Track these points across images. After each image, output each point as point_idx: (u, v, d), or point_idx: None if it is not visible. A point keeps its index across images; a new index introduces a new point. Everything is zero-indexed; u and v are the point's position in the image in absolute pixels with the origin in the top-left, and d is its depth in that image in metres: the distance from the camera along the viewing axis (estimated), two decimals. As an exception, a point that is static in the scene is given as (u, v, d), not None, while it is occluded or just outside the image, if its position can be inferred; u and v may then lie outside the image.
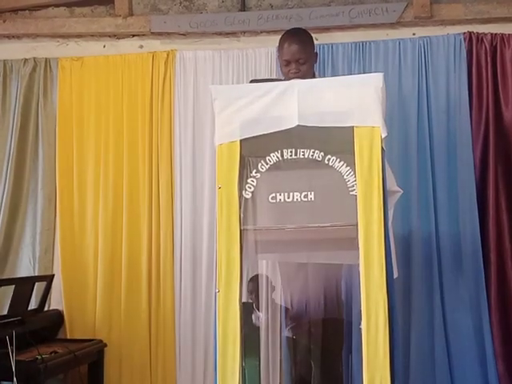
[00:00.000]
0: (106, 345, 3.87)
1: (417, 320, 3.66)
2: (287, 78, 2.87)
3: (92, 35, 4.27)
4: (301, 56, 2.84)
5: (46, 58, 4.24)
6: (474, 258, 3.68)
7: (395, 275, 2.50)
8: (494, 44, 3.83)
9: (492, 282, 3.69)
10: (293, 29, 3.07)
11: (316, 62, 3.03)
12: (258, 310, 2.64)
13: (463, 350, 3.64)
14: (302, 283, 2.87)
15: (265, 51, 4.02)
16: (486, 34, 3.85)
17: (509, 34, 3.84)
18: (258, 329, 2.68)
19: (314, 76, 2.95)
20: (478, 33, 3.86)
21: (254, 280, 2.74)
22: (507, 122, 3.80)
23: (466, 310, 3.67)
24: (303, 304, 2.91)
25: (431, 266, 3.70)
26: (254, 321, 2.55)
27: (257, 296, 2.71)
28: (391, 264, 2.35)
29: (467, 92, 3.80)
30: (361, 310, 2.28)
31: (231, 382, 2.33)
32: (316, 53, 3.03)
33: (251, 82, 3.24)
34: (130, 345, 3.93)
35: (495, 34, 3.85)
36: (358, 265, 2.28)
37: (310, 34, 2.98)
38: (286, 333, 2.84)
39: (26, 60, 4.24)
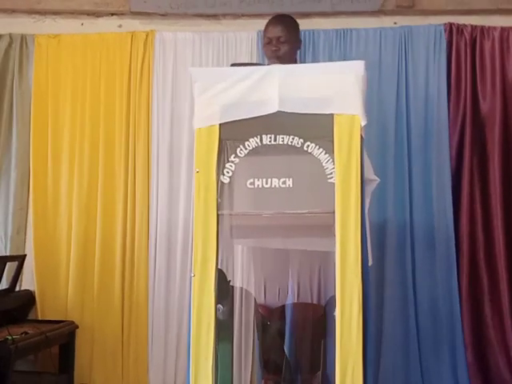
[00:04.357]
0: (77, 326, 3.84)
1: (389, 307, 3.70)
2: (268, 58, 2.96)
3: (70, 12, 4.18)
4: (282, 34, 2.94)
5: (22, 35, 4.14)
6: (446, 248, 3.72)
7: (370, 263, 2.52)
8: (474, 36, 3.85)
9: (464, 272, 3.74)
10: (280, 13, 3.17)
11: (299, 48, 3.09)
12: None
13: (434, 338, 3.69)
14: (276, 268, 2.89)
15: (246, 35, 3.98)
16: (466, 26, 3.87)
17: (489, 27, 3.87)
18: (231, 314, 2.68)
19: (295, 62, 3.00)
20: (458, 24, 3.87)
21: None
22: (484, 115, 3.84)
23: (437, 298, 3.71)
24: (276, 289, 2.93)
25: (405, 255, 3.73)
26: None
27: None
28: (367, 252, 2.37)
29: (446, 83, 3.82)
30: (335, 297, 2.29)
31: (204, 366, 2.34)
32: (300, 40, 3.08)
33: (232, 65, 3.22)
34: (102, 327, 3.90)
35: (475, 26, 3.87)
36: (335, 252, 2.29)
37: (295, 21, 3.06)
38: (259, 318, 2.85)
39: (1, 36, 4.13)
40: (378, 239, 3.64)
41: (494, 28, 3.86)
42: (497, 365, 3.66)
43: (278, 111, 2.39)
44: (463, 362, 3.63)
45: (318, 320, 2.79)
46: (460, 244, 3.75)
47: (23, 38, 4.14)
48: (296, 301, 2.86)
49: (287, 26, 2.98)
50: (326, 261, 2.59)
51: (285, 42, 2.94)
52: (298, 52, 3.15)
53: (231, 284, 2.69)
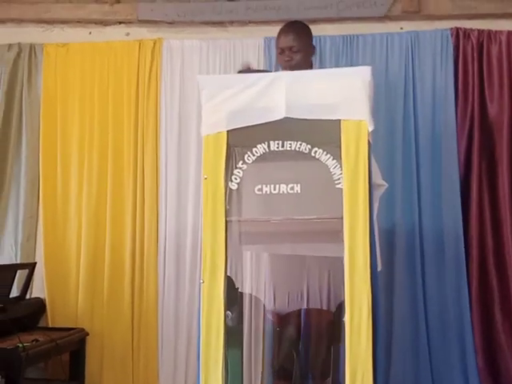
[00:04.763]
0: (87, 333, 3.86)
1: (399, 313, 3.69)
2: (283, 68, 2.92)
3: (78, 21, 4.22)
4: (294, 44, 2.89)
5: (30, 44, 4.18)
6: (456, 252, 3.71)
7: (379, 268, 2.52)
8: (481, 40, 3.85)
9: (473, 276, 3.72)
10: (291, 21, 3.13)
11: (313, 54, 3.06)
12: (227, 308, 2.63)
13: (444, 343, 3.68)
14: (285, 274, 2.89)
15: (252, 42, 4.00)
16: (473, 30, 3.87)
17: (495, 31, 3.86)
18: (240, 320, 2.68)
19: (311, 68, 2.98)
20: (465, 29, 3.87)
21: None
22: (492, 119, 3.83)
23: (447, 303, 3.70)
24: (286, 295, 2.93)
25: (414, 260, 3.72)
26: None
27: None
28: (375, 257, 2.37)
29: (453, 88, 3.82)
30: (344, 303, 2.29)
31: (214, 372, 2.34)
32: (313, 45, 3.05)
33: (239, 72, 3.23)
34: (112, 334, 3.92)
35: (482, 30, 3.87)
36: (343, 257, 2.29)
37: (307, 27, 3.03)
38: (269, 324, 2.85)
39: (10, 45, 4.18)
40: (387, 244, 3.63)
41: (501, 32, 3.86)
42: (507, 369, 3.63)
43: (286, 117, 2.40)
44: (474, 366, 3.61)
45: (327, 326, 2.78)
46: (469, 248, 3.74)
47: (32, 47, 4.18)
48: (306, 307, 2.86)
49: (299, 33, 2.93)
50: (334, 266, 2.58)
51: (297, 52, 2.89)
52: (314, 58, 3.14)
53: (240, 290, 2.69)
